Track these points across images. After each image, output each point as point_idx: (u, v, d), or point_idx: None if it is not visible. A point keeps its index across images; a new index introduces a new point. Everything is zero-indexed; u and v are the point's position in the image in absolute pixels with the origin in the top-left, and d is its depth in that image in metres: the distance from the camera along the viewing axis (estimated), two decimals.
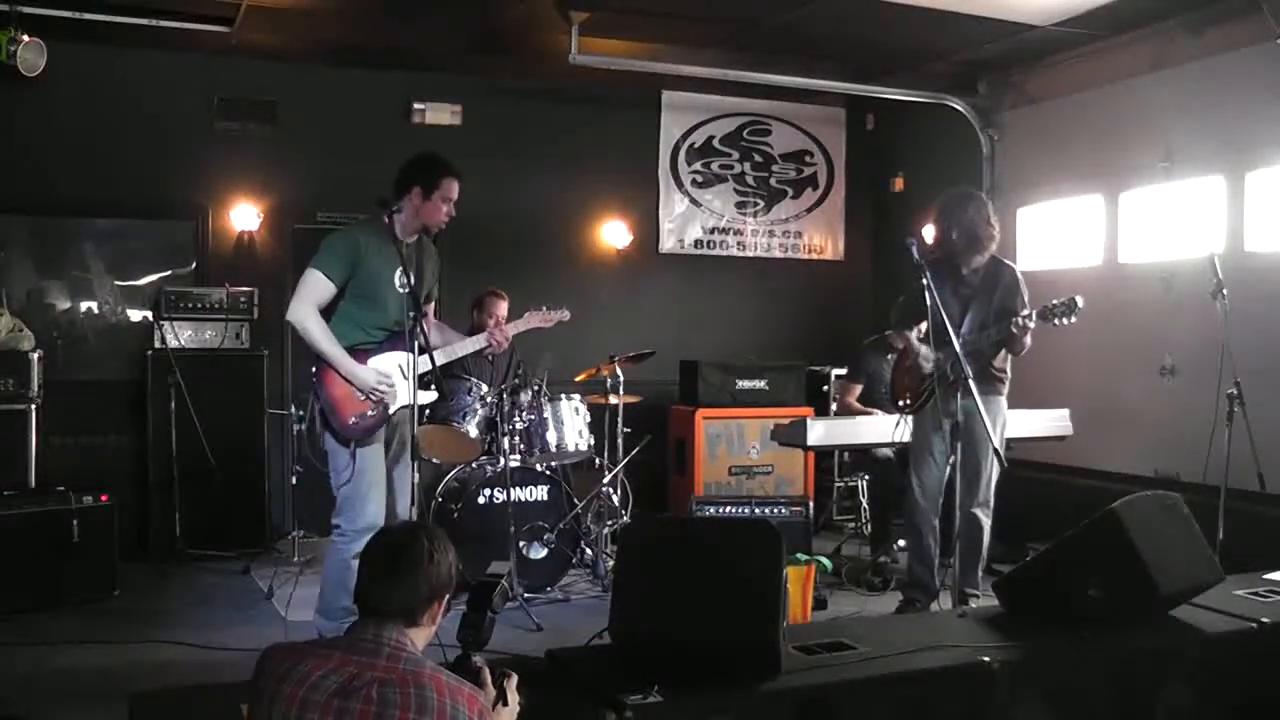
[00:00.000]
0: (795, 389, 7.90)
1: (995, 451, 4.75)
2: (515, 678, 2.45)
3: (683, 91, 8.51)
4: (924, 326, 5.25)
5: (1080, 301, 4.83)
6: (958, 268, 5.17)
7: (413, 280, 4.51)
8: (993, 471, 5.15)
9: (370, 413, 4.49)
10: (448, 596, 2.29)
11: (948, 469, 5.24)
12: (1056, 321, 4.88)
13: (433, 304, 4.88)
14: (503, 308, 6.50)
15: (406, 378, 4.54)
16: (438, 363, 4.48)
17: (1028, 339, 5.02)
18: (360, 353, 4.49)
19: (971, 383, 4.71)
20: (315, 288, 4.42)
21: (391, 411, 4.57)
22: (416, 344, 4.35)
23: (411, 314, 4.36)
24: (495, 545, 5.56)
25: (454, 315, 7.51)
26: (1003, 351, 5.20)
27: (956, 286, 5.16)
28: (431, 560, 2.22)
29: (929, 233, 5.51)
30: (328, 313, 4.47)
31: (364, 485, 4.47)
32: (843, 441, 6.59)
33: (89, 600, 5.62)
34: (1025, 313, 4.98)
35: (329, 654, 2.16)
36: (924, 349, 5.23)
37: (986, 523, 5.22)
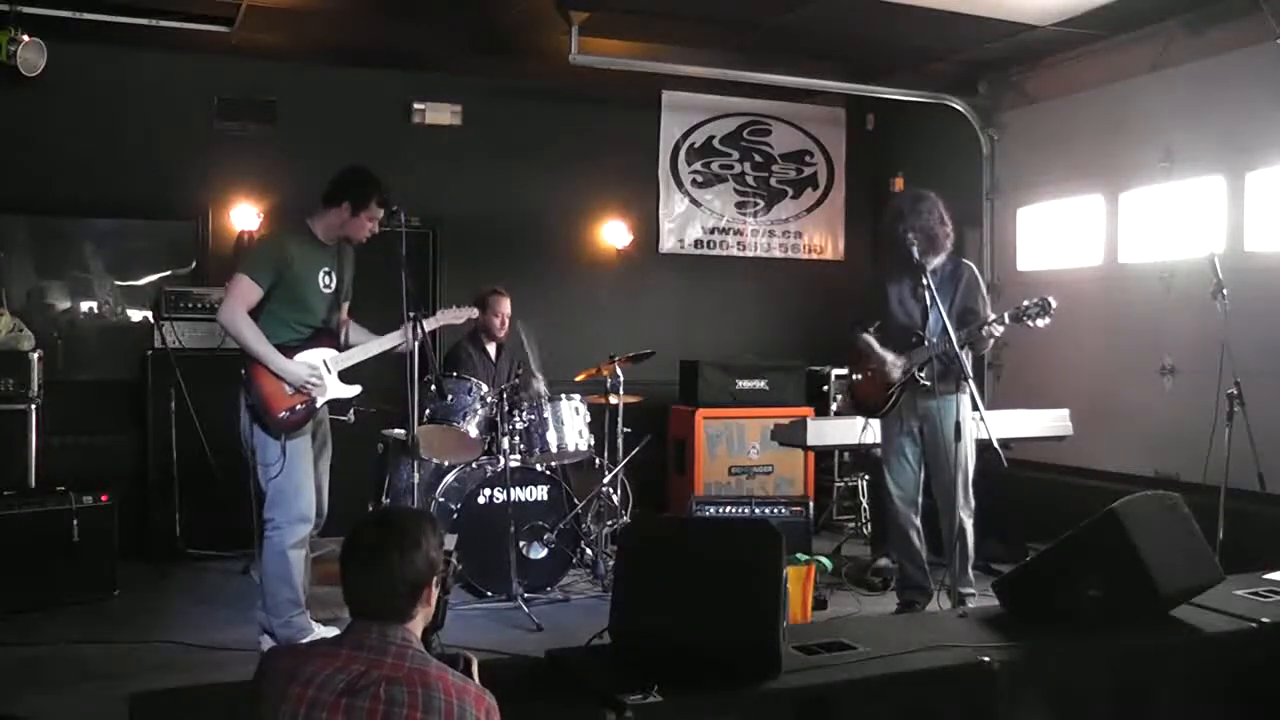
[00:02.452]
0: (795, 389, 7.90)
1: (997, 451, 4.75)
2: (475, 662, 2.44)
3: (683, 91, 8.51)
4: (875, 328, 5.24)
5: (1053, 301, 4.82)
6: (920, 268, 5.12)
7: (339, 281, 4.76)
8: (968, 471, 5.13)
9: (299, 406, 4.64)
10: (436, 577, 2.26)
11: (921, 469, 5.25)
12: (1030, 323, 4.86)
13: (346, 304, 4.96)
14: (505, 306, 6.50)
15: (331, 372, 4.74)
16: (352, 362, 4.75)
17: (992, 340, 5.03)
18: (288, 350, 4.65)
19: (970, 383, 4.71)
20: (244, 292, 4.61)
21: (319, 405, 4.72)
22: (416, 341, 4.39)
23: (413, 314, 4.39)
24: (495, 545, 5.57)
25: None
26: (965, 351, 5.17)
27: (916, 287, 5.14)
28: (407, 558, 2.18)
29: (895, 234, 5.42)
30: (257, 312, 4.63)
31: (295, 478, 4.62)
32: (843, 441, 6.59)
33: (89, 600, 5.61)
34: (994, 317, 4.97)
35: (334, 653, 2.16)
36: (889, 355, 5.19)
37: (969, 522, 5.17)
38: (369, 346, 4.85)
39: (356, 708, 2.05)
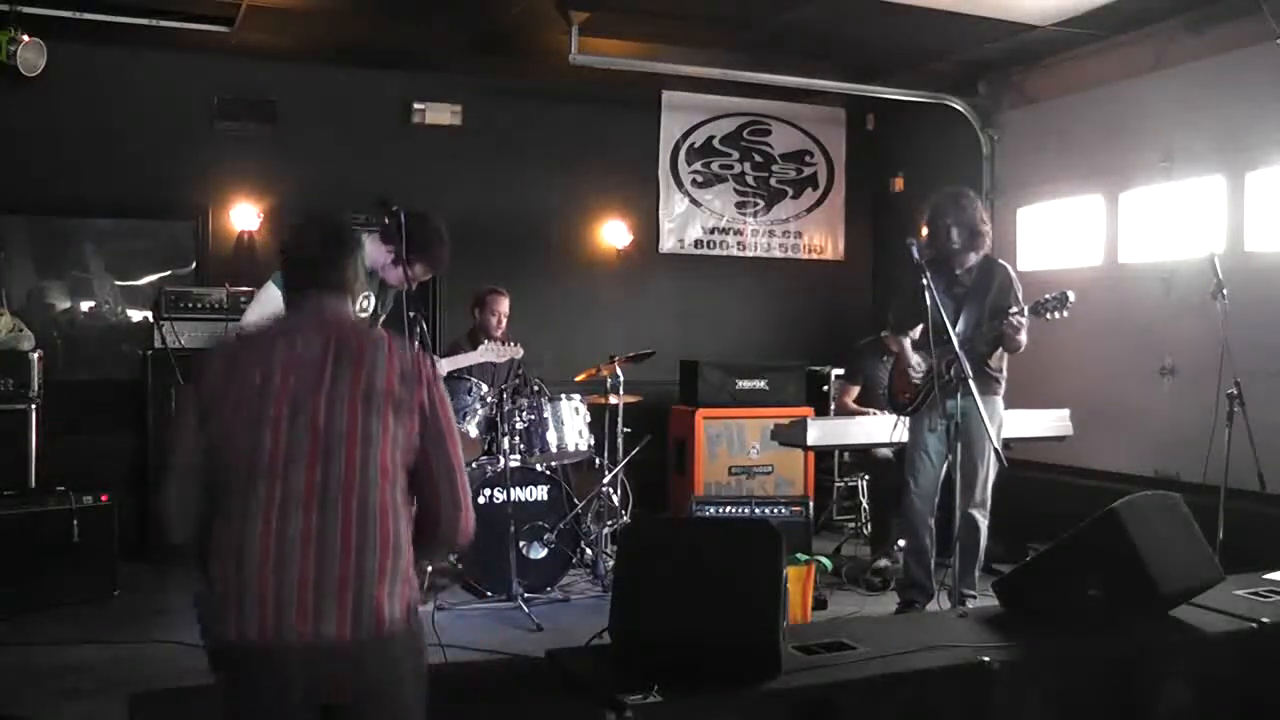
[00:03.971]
0: (795, 389, 7.90)
1: (995, 451, 4.75)
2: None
3: (683, 91, 8.51)
4: (919, 330, 5.23)
5: (1071, 295, 4.86)
6: (951, 267, 5.15)
7: (378, 305, 4.67)
8: (989, 472, 5.15)
9: None
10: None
11: (943, 469, 5.25)
12: (1049, 315, 4.91)
13: (382, 317, 4.86)
14: (504, 305, 6.50)
15: None
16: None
17: (1023, 336, 5.02)
18: None
19: (971, 382, 4.71)
20: (271, 302, 4.44)
21: None
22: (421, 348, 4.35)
23: (412, 314, 4.37)
24: (495, 545, 5.57)
25: (454, 314, 7.55)
26: (999, 351, 5.20)
27: (950, 286, 5.14)
28: (359, 243, 2.52)
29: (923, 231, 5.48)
30: None
31: None
32: (842, 441, 6.58)
33: (89, 600, 5.62)
34: (1016, 310, 4.98)
35: (292, 331, 2.34)
36: (914, 357, 5.20)
37: (984, 524, 5.21)
38: None
39: (341, 375, 2.27)
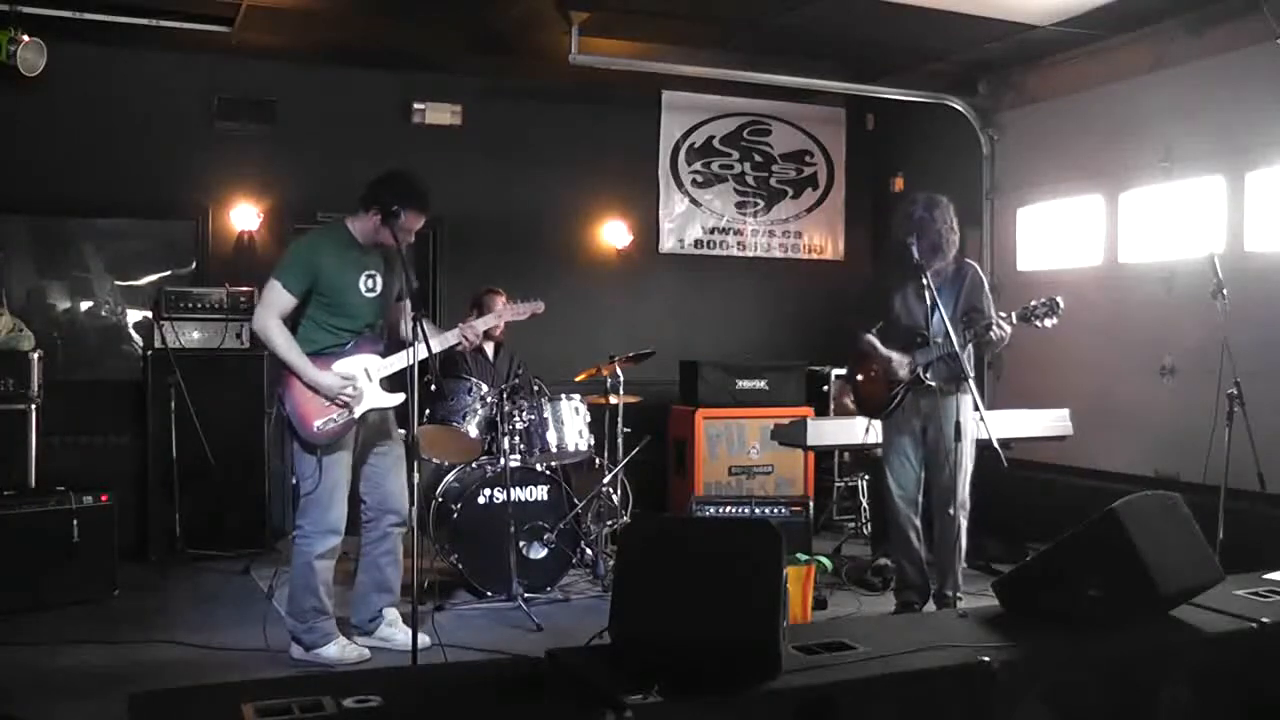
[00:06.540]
0: (795, 389, 7.90)
1: (997, 450, 4.74)
2: None
3: (683, 91, 8.52)
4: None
5: (1061, 302, 4.81)
6: (921, 267, 5.09)
7: (386, 284, 4.67)
8: (969, 471, 5.13)
9: (335, 418, 4.56)
10: None
11: (922, 469, 5.23)
12: (1038, 323, 4.85)
13: (406, 300, 4.73)
14: (502, 304, 6.49)
15: (372, 380, 4.63)
16: (396, 369, 4.63)
17: (1006, 332, 5.00)
18: (327, 357, 4.56)
19: (970, 382, 4.71)
20: (276, 299, 4.50)
21: (357, 415, 4.62)
22: (415, 345, 4.33)
23: (414, 314, 4.36)
24: (495, 545, 5.57)
25: (454, 314, 7.55)
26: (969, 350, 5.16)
27: (920, 288, 5.12)
28: None
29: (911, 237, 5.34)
30: (298, 316, 4.55)
31: (329, 489, 4.57)
32: (843, 441, 6.59)
33: (89, 600, 5.61)
34: (1003, 315, 4.95)
35: None
36: (895, 355, 5.17)
37: (964, 523, 5.18)
38: (410, 352, 4.61)
39: None
